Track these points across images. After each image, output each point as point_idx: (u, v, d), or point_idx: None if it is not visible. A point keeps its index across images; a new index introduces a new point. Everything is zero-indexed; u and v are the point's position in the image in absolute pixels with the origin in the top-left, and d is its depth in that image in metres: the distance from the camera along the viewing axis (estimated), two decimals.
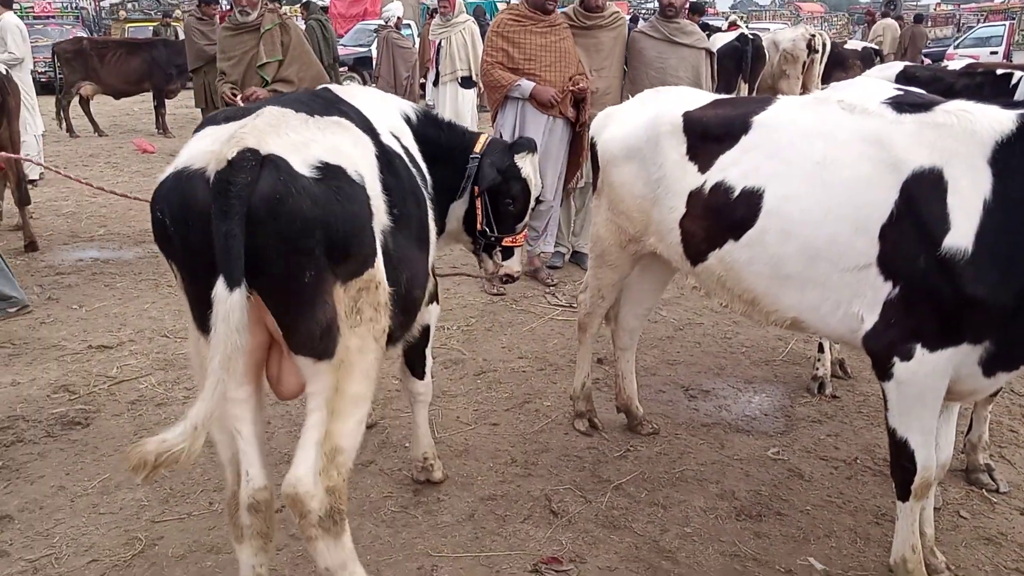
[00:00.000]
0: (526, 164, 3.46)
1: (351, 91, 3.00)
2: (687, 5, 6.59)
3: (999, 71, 4.70)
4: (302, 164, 2.13)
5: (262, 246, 2.06)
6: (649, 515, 3.32)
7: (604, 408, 4.16)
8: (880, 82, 3.55)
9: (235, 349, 2.00)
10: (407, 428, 3.58)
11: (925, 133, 2.58)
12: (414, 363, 3.34)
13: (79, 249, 7.17)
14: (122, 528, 3.21)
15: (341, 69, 16.50)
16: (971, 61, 5.88)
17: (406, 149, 2.84)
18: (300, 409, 2.96)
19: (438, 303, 3.35)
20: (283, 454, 3.60)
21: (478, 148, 3.37)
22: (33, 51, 9.96)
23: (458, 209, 3.41)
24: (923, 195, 2.51)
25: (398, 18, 11.86)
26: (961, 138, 2.50)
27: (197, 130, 2.42)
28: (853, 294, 2.70)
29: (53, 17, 27.70)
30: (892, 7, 18.71)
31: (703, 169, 3.13)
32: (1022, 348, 2.50)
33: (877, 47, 15.07)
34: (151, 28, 20.46)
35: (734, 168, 3.01)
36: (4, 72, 6.97)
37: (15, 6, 9.94)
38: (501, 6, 14.89)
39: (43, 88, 13.47)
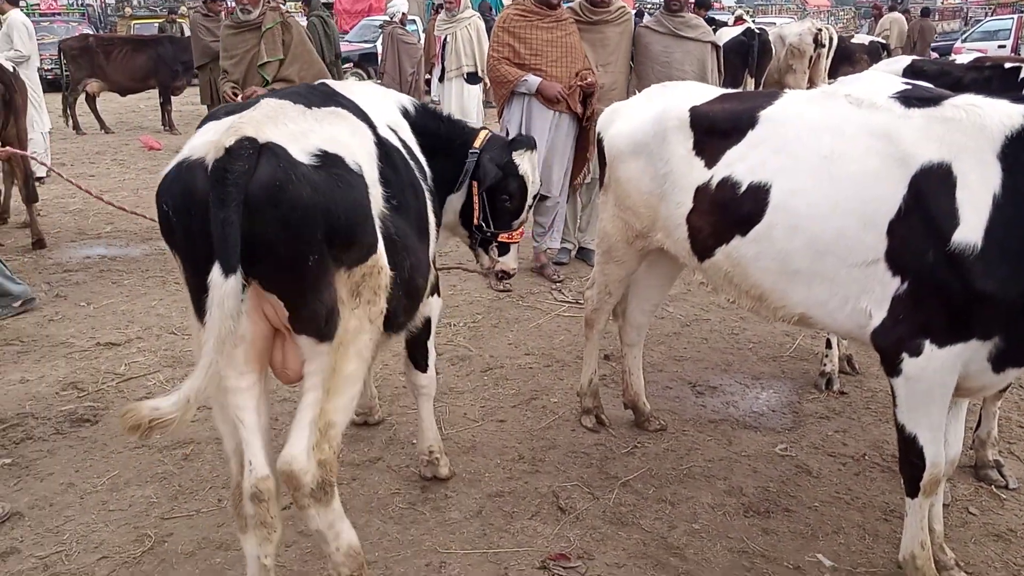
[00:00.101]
0: (524, 161, 3.47)
1: (348, 86, 3.03)
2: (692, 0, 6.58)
3: (1007, 65, 4.66)
4: (301, 152, 2.18)
5: (262, 233, 2.10)
6: (657, 511, 3.32)
7: (611, 404, 4.16)
8: (888, 76, 3.55)
9: (228, 333, 2.06)
10: (414, 425, 3.58)
11: (934, 127, 2.57)
12: (416, 356, 3.36)
13: (86, 246, 7.19)
14: (131, 525, 3.22)
15: (346, 65, 16.52)
16: (979, 55, 5.83)
17: (403, 142, 2.88)
18: None
19: (439, 296, 3.37)
20: None
21: (477, 143, 3.39)
22: (39, 48, 9.97)
23: (455, 202, 3.44)
24: (932, 190, 2.49)
25: (403, 14, 11.84)
26: (970, 132, 2.48)
27: (199, 126, 2.46)
28: (861, 290, 2.68)
29: (59, 14, 27.73)
30: (899, 1, 18.62)
31: (710, 164, 3.12)
32: None
33: (884, 41, 15.00)
34: (157, 25, 20.47)
35: (741, 163, 3.00)
36: (11, 70, 6.99)
37: (21, 3, 9.94)
38: (506, 1, 14.85)
39: (49, 85, 13.51)
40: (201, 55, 10.08)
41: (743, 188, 2.95)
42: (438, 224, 3.14)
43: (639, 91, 3.89)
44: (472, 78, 9.58)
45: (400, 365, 3.90)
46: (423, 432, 3.49)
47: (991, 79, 4.54)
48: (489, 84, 7.28)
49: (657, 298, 4.02)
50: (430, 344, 3.36)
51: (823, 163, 2.76)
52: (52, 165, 9.02)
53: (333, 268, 2.24)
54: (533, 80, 5.72)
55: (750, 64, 11.97)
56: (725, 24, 14.76)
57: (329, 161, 2.22)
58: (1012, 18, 23.06)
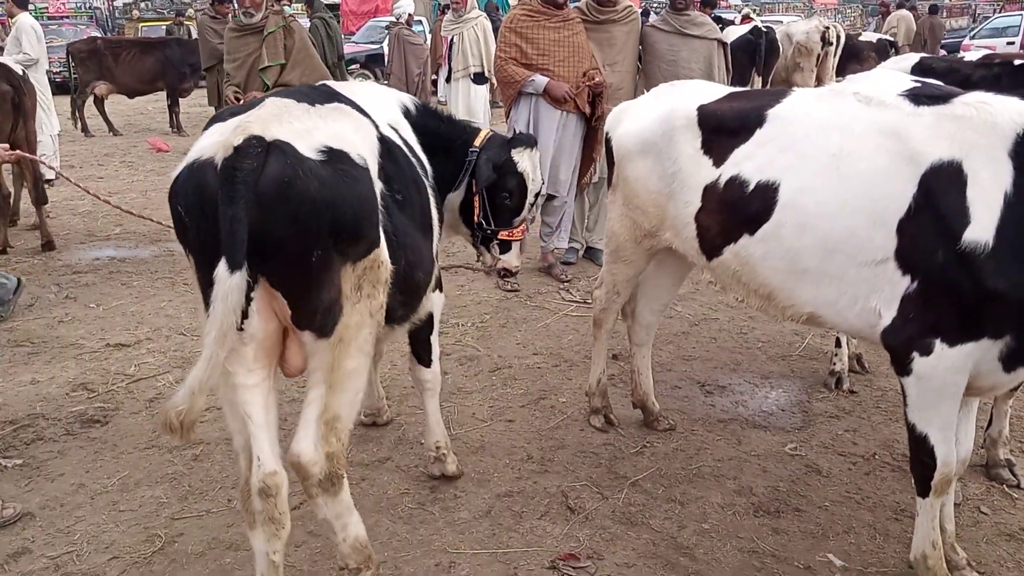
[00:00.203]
0: (524, 159, 3.49)
1: (349, 86, 3.08)
2: None
3: (1017, 62, 4.64)
4: (307, 148, 2.22)
5: (272, 230, 2.15)
6: (666, 511, 3.31)
7: (620, 404, 4.15)
8: (897, 74, 3.53)
9: (230, 327, 2.10)
10: (423, 425, 3.58)
11: (944, 125, 2.55)
12: (420, 351, 3.38)
13: (96, 248, 7.22)
14: (142, 525, 3.23)
15: (353, 66, 16.55)
16: (988, 52, 5.80)
17: (405, 141, 2.93)
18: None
19: (442, 291, 3.39)
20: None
21: (478, 142, 3.43)
22: (48, 51, 10.00)
23: (456, 200, 3.48)
24: (942, 188, 2.48)
25: (409, 15, 11.86)
26: (981, 130, 2.47)
27: (206, 128, 2.49)
28: (871, 289, 2.67)
29: (67, 17, 27.86)
30: None
31: (718, 163, 3.11)
32: None
33: (892, 39, 14.94)
34: (164, 27, 20.55)
35: (749, 161, 3.00)
36: (20, 73, 7.03)
37: (30, 7, 9.98)
38: (513, 1, 14.86)
39: (58, 88, 13.54)
40: (209, 57, 10.11)
41: (751, 187, 2.94)
42: (440, 221, 3.18)
43: (647, 90, 3.88)
44: (479, 78, 9.58)
45: (407, 365, 3.90)
46: (429, 428, 3.50)
47: (1000, 76, 4.51)
48: (496, 84, 7.29)
49: (666, 297, 4.01)
50: (433, 339, 3.38)
51: (832, 161, 2.75)
52: (61, 168, 9.12)
53: (338, 263, 2.28)
54: (540, 80, 5.72)
55: (757, 63, 11.94)
56: (732, 23, 14.73)
57: (335, 157, 2.26)
58: (1021, 15, 22.91)
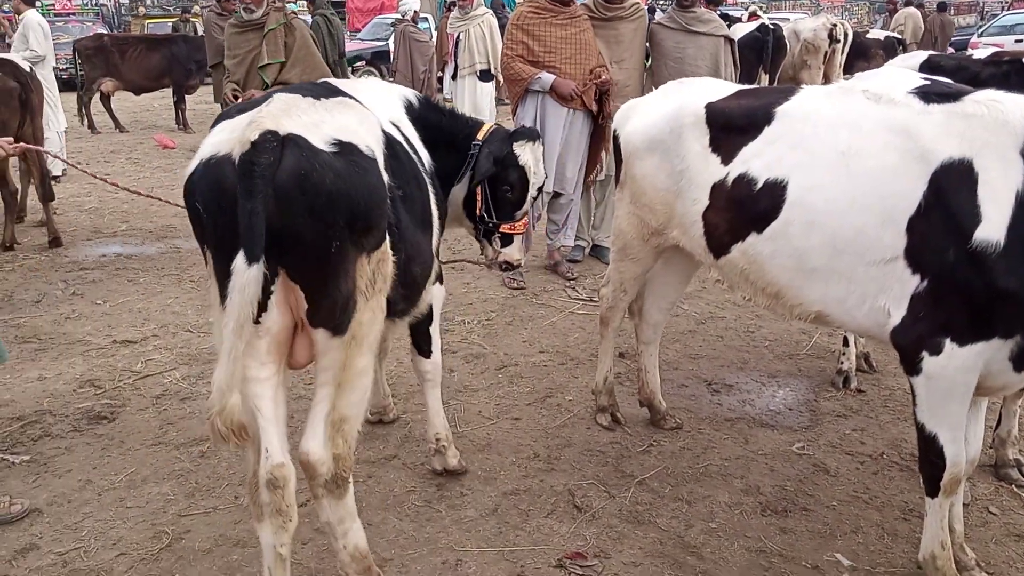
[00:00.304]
0: (525, 152, 3.50)
1: (351, 83, 3.13)
2: None
3: None
4: (319, 141, 2.27)
5: (291, 222, 2.18)
6: (673, 510, 3.30)
7: (626, 403, 4.14)
8: (906, 71, 3.51)
9: (247, 319, 2.13)
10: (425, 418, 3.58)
11: (954, 123, 2.54)
12: (420, 342, 3.42)
13: (102, 245, 7.23)
14: (149, 522, 3.23)
15: (359, 63, 16.54)
16: (996, 50, 5.77)
17: (406, 137, 2.97)
18: None
19: (442, 284, 3.42)
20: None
21: (481, 135, 3.46)
22: (54, 48, 10.02)
23: (459, 193, 3.50)
24: (953, 186, 2.47)
25: (415, 12, 11.86)
26: (992, 128, 2.45)
27: (213, 125, 2.51)
28: (880, 288, 2.66)
29: (74, 14, 27.88)
30: None
31: (726, 161, 3.10)
32: None
33: (899, 36, 14.88)
34: (170, 24, 20.57)
35: (757, 159, 2.98)
36: (27, 69, 7.04)
37: (36, 3, 10.00)
38: None
39: (64, 85, 13.55)
40: (215, 54, 10.07)
41: (759, 185, 2.93)
42: (443, 216, 3.21)
43: (654, 88, 3.87)
44: (485, 75, 9.58)
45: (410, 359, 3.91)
46: (430, 419, 3.51)
47: (1009, 74, 4.49)
48: (502, 81, 7.27)
49: (673, 296, 4.00)
50: (433, 331, 3.41)
51: (841, 159, 2.74)
52: (65, 165, 9.13)
53: (354, 254, 2.31)
54: (547, 77, 5.70)
55: (764, 60, 11.88)
56: (739, 20, 14.67)
57: (345, 149, 2.30)
58: None
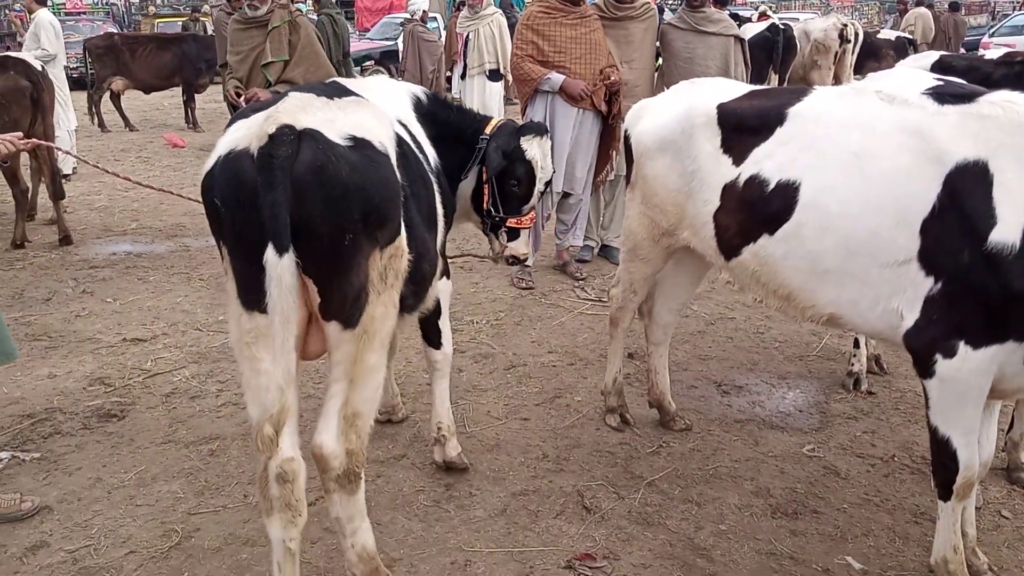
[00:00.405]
0: (532, 147, 3.52)
1: (360, 82, 3.17)
2: None
3: None
4: (335, 136, 2.30)
5: (306, 215, 2.21)
6: (683, 512, 3.29)
7: (636, 404, 4.13)
8: (919, 72, 3.49)
9: (291, 309, 2.17)
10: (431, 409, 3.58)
11: (969, 124, 2.52)
12: (430, 335, 3.48)
13: (112, 243, 7.25)
14: (159, 520, 3.24)
15: (368, 63, 16.55)
16: (1008, 50, 5.74)
17: (413, 136, 3.00)
18: None
19: (449, 278, 3.46)
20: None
21: (489, 130, 3.49)
22: (65, 47, 10.06)
23: (467, 188, 3.54)
24: (968, 188, 2.45)
25: (424, 12, 11.88)
26: (1007, 129, 2.43)
27: (228, 125, 2.54)
28: (893, 290, 2.64)
29: (84, 13, 28.00)
30: None
31: (737, 161, 3.09)
32: None
33: (910, 36, 14.81)
34: (180, 23, 20.63)
35: (769, 160, 2.97)
36: (39, 68, 7.07)
37: (48, 2, 10.03)
38: None
39: (75, 83, 13.62)
40: (225, 53, 10.10)
41: (771, 186, 2.91)
42: (449, 213, 3.25)
43: (665, 88, 3.85)
44: (494, 75, 9.57)
45: (422, 363, 3.92)
46: (434, 408, 3.54)
47: (1021, 74, 4.46)
48: (511, 81, 7.26)
49: (684, 297, 3.99)
50: (442, 323, 3.46)
51: (854, 160, 2.72)
52: (77, 164, 9.16)
53: (367, 247, 2.34)
54: (557, 78, 5.69)
55: (775, 60, 11.84)
56: (749, 20, 14.62)
57: (360, 143, 2.34)
58: None
